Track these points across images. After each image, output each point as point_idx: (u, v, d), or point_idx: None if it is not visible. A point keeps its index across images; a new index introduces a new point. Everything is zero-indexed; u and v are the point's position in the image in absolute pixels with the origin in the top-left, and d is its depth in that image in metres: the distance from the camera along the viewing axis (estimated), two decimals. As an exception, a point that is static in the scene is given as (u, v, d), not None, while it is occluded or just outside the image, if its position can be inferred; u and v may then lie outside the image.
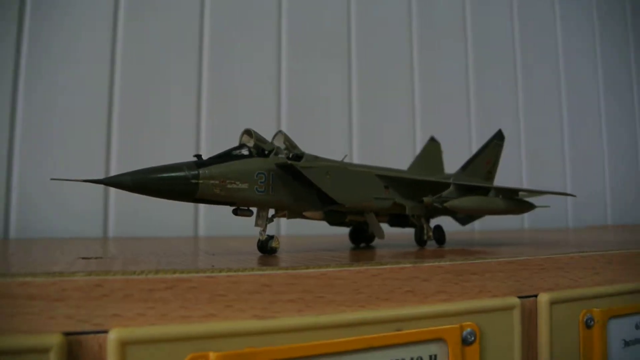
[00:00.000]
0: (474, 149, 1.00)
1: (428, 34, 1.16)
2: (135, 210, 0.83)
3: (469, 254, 0.44)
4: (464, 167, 0.64)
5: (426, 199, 0.52)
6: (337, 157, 0.52)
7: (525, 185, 1.23)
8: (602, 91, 1.46)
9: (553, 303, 0.39)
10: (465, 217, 0.65)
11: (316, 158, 0.48)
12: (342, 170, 0.49)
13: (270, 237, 0.45)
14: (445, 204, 0.52)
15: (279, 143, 0.47)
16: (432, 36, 1.16)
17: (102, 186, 0.77)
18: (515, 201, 0.57)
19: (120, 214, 0.84)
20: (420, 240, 0.56)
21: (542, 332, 0.39)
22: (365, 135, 1.05)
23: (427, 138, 0.69)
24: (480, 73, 1.22)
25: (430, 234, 0.56)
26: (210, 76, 0.93)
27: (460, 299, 0.36)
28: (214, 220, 0.90)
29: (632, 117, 1.53)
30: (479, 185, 0.57)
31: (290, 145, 0.48)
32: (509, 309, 0.37)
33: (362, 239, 0.59)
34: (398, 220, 0.57)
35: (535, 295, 0.40)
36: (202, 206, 0.89)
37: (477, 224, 1.14)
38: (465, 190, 0.55)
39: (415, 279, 0.35)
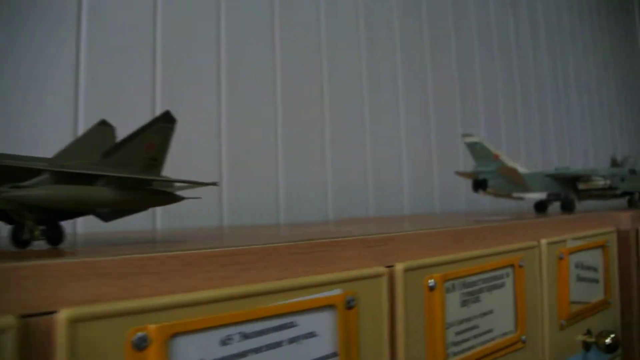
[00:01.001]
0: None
1: (235, 33, 1.13)
2: None
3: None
4: (107, 154, 0.51)
5: None
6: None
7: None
8: (401, 89, 1.51)
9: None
10: (110, 213, 0.52)
11: None
12: None
13: None
14: (9, 194, 0.41)
15: None
16: (239, 36, 1.15)
17: None
18: (141, 191, 0.49)
19: None
20: (17, 240, 0.43)
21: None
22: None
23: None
24: (287, 68, 1.23)
25: (38, 232, 0.44)
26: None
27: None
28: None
29: (426, 116, 1.58)
30: (84, 173, 0.46)
31: None
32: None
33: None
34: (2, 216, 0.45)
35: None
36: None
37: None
38: (71, 178, 0.45)
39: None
